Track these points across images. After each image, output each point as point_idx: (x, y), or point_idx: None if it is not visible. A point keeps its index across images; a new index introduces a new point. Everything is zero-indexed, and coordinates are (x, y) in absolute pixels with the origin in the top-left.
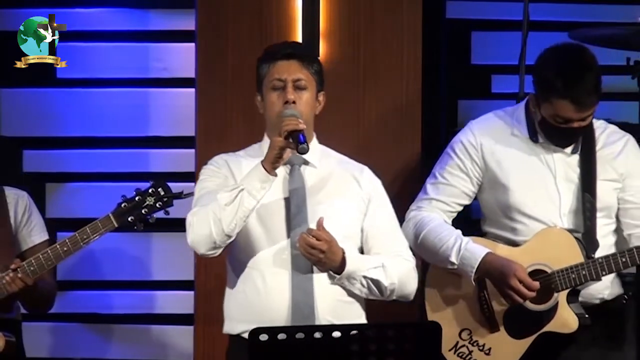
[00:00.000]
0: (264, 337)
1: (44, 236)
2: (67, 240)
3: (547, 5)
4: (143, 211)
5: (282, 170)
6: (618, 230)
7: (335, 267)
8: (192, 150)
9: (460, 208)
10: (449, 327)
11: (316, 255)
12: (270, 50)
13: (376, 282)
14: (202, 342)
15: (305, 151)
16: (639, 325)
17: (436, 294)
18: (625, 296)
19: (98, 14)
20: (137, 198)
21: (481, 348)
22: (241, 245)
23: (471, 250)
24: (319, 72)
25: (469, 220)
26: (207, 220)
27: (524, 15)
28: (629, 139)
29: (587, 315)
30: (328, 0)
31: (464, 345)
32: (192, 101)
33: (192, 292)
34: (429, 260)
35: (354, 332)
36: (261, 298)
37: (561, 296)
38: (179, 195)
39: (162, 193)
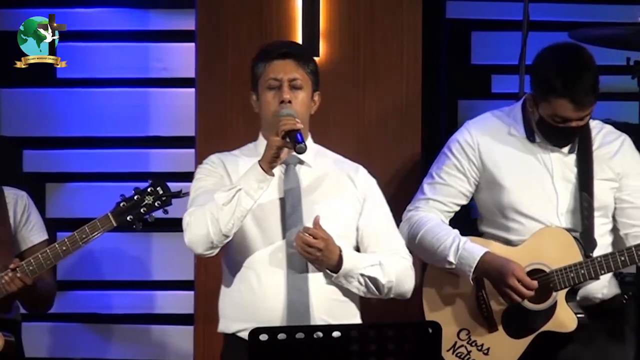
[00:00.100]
0: (264, 337)
1: (43, 236)
2: (66, 240)
3: (547, 5)
4: (142, 210)
5: (277, 170)
6: (614, 230)
7: (333, 265)
8: (192, 150)
9: (458, 208)
10: (447, 327)
11: (313, 253)
12: (265, 49)
13: (374, 280)
14: (202, 342)
15: (303, 150)
16: (639, 325)
17: (434, 293)
18: (625, 296)
19: (98, 14)
20: (135, 197)
21: (480, 348)
22: (236, 244)
23: (469, 250)
24: (315, 71)
25: (468, 220)
26: (204, 220)
27: (524, 15)
28: (625, 138)
29: (585, 315)
30: (328, 0)
31: (462, 346)
32: (192, 101)
33: (192, 292)
34: (426, 261)
35: (354, 332)
36: (256, 297)
37: (560, 295)
38: (178, 195)
39: (161, 192)
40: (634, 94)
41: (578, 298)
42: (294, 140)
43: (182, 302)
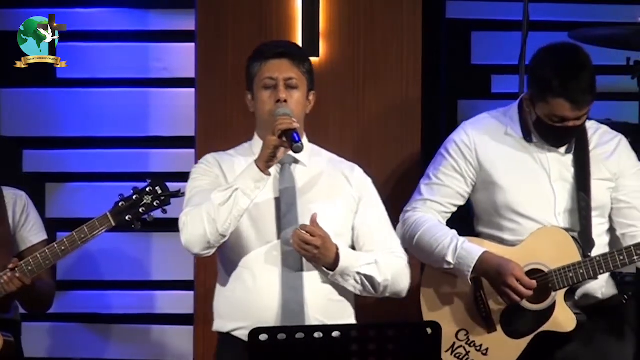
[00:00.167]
0: (263, 337)
1: (43, 236)
2: (64, 240)
3: (547, 5)
4: (140, 210)
5: (272, 170)
6: (611, 230)
7: (329, 263)
8: (192, 150)
9: (455, 209)
10: (445, 328)
11: (310, 251)
12: (261, 49)
13: (370, 279)
14: (202, 342)
15: (300, 150)
16: (638, 325)
17: (432, 294)
18: (625, 296)
19: (98, 14)
20: (134, 197)
21: (478, 348)
22: (232, 244)
23: (468, 250)
24: (310, 71)
25: (467, 220)
26: (201, 220)
27: (524, 15)
28: (621, 139)
29: (584, 314)
30: (328, 0)
31: (461, 346)
32: (192, 101)
33: (192, 292)
34: (424, 261)
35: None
36: (251, 296)
37: (559, 295)
38: (177, 194)
39: (160, 192)
40: (634, 94)
41: (577, 297)
42: (291, 140)
43: (181, 302)
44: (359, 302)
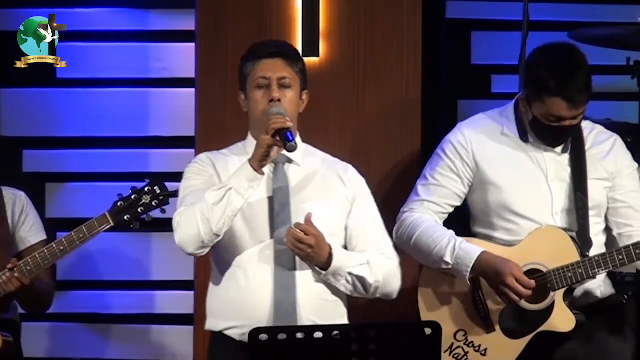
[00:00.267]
0: (263, 337)
1: (42, 236)
2: (63, 240)
3: (547, 5)
4: (139, 210)
5: (266, 169)
6: (607, 230)
7: (322, 262)
8: (192, 150)
9: (452, 209)
10: (444, 328)
11: (304, 249)
12: (254, 48)
13: (361, 279)
14: (202, 342)
15: (294, 149)
16: (639, 325)
17: (430, 294)
18: (625, 296)
19: (98, 14)
20: (133, 197)
21: (477, 349)
22: (225, 243)
23: (466, 250)
24: (303, 70)
25: (463, 221)
26: (195, 219)
27: (524, 15)
28: (617, 139)
29: (583, 314)
30: (328, 0)
31: (459, 347)
32: (192, 101)
33: (192, 292)
34: (422, 262)
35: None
36: (244, 296)
37: (557, 295)
38: (175, 194)
39: (158, 191)
40: (634, 94)
41: (577, 296)
42: (284, 139)
43: (181, 302)
44: (351, 302)
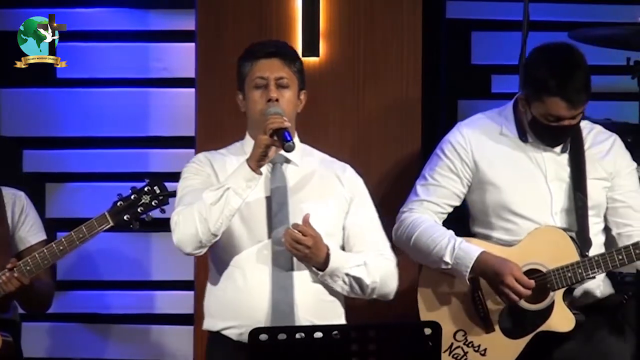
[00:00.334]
0: (263, 337)
1: (42, 236)
2: (63, 240)
3: (547, 5)
4: (139, 209)
5: (263, 169)
6: (607, 229)
7: (320, 263)
8: (192, 150)
9: (451, 209)
10: (443, 328)
11: (302, 250)
12: (252, 48)
13: (358, 280)
14: (201, 342)
15: (292, 149)
16: (638, 325)
17: (430, 294)
18: (625, 296)
19: (98, 14)
20: (132, 196)
21: (476, 349)
22: (223, 243)
23: (465, 250)
24: (301, 70)
25: (462, 221)
26: (192, 219)
27: (524, 15)
28: (616, 138)
29: (582, 314)
30: (328, 0)
31: (458, 347)
32: (192, 101)
33: (192, 292)
34: (422, 262)
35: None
36: (242, 296)
37: (557, 295)
38: (175, 194)
39: (158, 191)
40: (634, 94)
41: (577, 296)
42: (282, 139)
43: (181, 302)
44: (350, 303)
